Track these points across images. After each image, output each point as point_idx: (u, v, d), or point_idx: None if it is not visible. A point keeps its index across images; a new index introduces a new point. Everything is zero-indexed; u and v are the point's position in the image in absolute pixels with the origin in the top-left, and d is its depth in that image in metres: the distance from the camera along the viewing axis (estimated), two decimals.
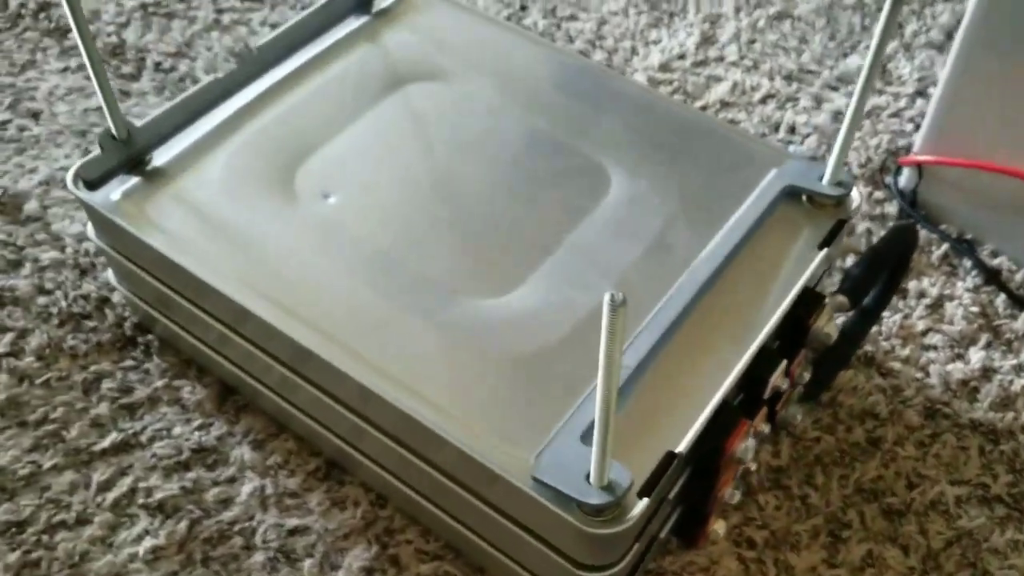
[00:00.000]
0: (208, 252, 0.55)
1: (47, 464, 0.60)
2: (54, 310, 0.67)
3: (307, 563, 0.57)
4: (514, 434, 0.48)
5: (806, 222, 0.57)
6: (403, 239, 0.56)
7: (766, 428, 0.55)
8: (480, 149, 0.61)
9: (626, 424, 0.48)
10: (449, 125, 0.62)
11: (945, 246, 0.71)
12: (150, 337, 0.66)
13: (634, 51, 0.85)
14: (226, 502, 0.59)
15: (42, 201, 0.73)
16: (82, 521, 0.58)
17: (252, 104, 0.63)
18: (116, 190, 0.58)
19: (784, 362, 0.52)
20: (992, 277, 0.70)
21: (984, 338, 0.67)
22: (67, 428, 0.61)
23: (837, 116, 0.80)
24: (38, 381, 0.63)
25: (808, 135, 0.78)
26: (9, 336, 0.65)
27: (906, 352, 0.66)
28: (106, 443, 0.61)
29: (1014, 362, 0.65)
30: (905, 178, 0.74)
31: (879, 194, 0.75)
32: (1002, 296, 0.69)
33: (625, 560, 0.49)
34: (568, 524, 0.45)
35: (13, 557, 0.56)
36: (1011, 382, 0.64)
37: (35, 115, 0.80)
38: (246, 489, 0.59)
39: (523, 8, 0.88)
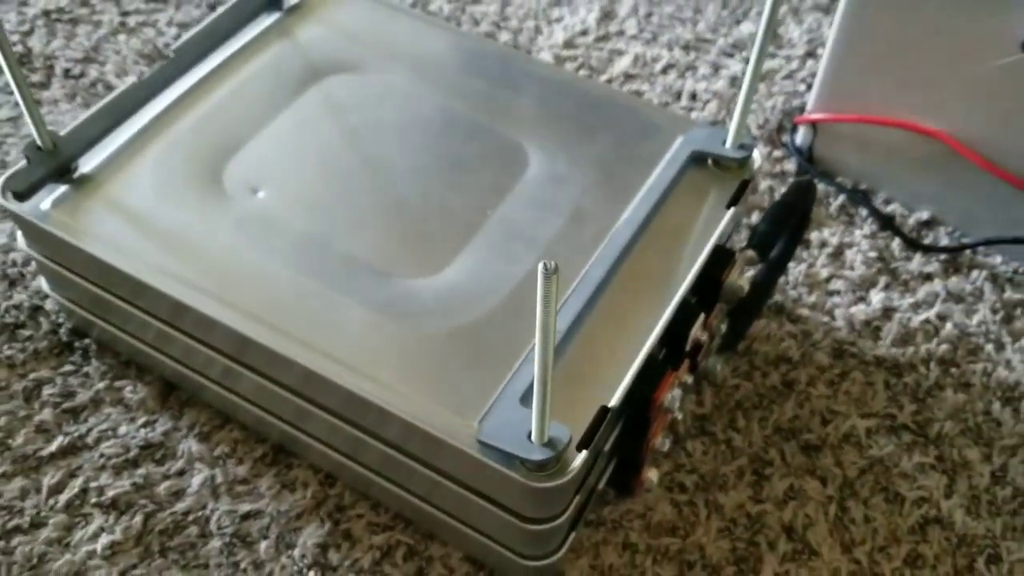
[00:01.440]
0: (142, 252, 0.56)
1: None
2: None
3: (263, 544, 0.59)
4: (457, 403, 0.50)
5: (713, 184, 0.61)
6: (334, 226, 0.58)
7: (689, 379, 0.59)
8: (401, 136, 0.63)
9: (560, 384, 0.51)
10: (369, 114, 0.64)
11: (842, 197, 0.76)
12: (87, 341, 0.67)
13: (538, 30, 0.88)
14: (178, 494, 0.61)
15: None
16: (36, 524, 0.59)
17: (174, 106, 0.64)
18: (46, 200, 0.59)
19: (702, 316, 0.56)
20: (887, 223, 0.75)
21: (883, 280, 0.72)
22: (12, 436, 0.62)
23: (734, 81, 0.84)
24: None
25: (708, 101, 0.83)
26: None
27: (813, 299, 0.71)
28: (53, 447, 0.62)
29: (911, 300, 0.71)
30: (801, 136, 0.79)
31: (778, 153, 0.79)
32: (897, 240, 0.74)
33: (567, 512, 0.52)
34: (514, 481, 0.48)
35: None
36: (909, 319, 0.70)
37: None
38: (196, 480, 0.61)
39: None
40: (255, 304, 0.54)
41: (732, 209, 0.59)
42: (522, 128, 0.64)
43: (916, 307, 0.71)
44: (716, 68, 0.85)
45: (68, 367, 0.66)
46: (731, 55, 0.87)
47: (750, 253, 0.59)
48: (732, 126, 0.60)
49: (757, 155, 0.62)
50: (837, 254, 0.73)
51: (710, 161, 0.62)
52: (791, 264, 0.72)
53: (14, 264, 0.70)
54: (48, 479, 0.60)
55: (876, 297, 0.71)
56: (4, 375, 0.65)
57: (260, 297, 0.55)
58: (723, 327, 0.63)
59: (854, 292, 0.71)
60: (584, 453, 0.49)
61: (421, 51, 0.68)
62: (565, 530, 0.54)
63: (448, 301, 0.55)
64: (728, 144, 0.61)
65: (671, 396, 0.54)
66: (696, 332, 0.56)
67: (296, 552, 0.58)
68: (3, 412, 0.63)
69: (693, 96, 0.83)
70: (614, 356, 0.53)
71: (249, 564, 0.58)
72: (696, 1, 0.91)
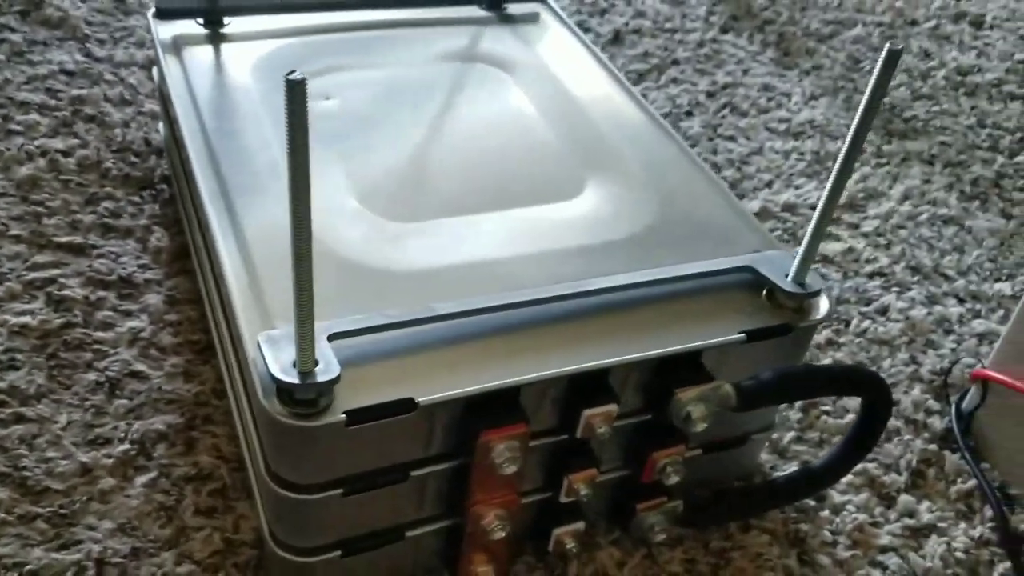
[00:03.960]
0: (202, 106, 0.57)
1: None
2: (119, 137, 0.73)
3: (119, 402, 0.55)
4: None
5: (748, 309, 0.49)
6: (358, 149, 0.56)
7: (584, 489, 0.47)
8: (491, 124, 0.60)
9: (427, 360, 0.43)
10: (482, 101, 0.62)
11: (973, 484, 0.58)
12: (165, 188, 0.70)
13: (769, 184, 0.79)
14: (106, 326, 0.60)
15: None
16: None
17: (337, 23, 0.67)
18: (179, 30, 0.64)
19: (614, 406, 0.44)
20: (1009, 542, 0.55)
21: None
22: (51, 216, 0.66)
23: (942, 322, 0.68)
24: (60, 177, 0.69)
25: (897, 321, 0.68)
26: (72, 142, 0.72)
27: (846, 555, 0.53)
28: (63, 238, 0.64)
29: None
30: (968, 400, 0.61)
31: (933, 404, 0.62)
32: (1008, 565, 0.54)
33: (322, 495, 0.42)
34: (261, 407, 0.40)
35: None
36: None
37: None
38: (129, 324, 0.60)
39: (688, 114, 0.86)
40: (234, 175, 0.53)
41: (742, 337, 0.47)
42: (600, 169, 0.57)
43: None
44: (932, 301, 0.70)
45: (135, 198, 0.69)
46: (962, 301, 0.71)
47: (728, 388, 0.46)
48: (797, 256, 0.48)
49: (824, 304, 0.49)
50: (917, 532, 0.55)
51: (764, 293, 0.50)
52: (852, 507, 0.55)
53: None
54: (37, 256, 0.63)
55: None
56: (92, 179, 0.69)
57: (244, 170, 0.53)
58: (675, 477, 0.49)
59: None
60: (343, 418, 0.40)
61: (579, 89, 0.64)
62: (317, 528, 0.44)
63: (393, 243, 0.50)
64: (789, 276, 0.49)
65: (505, 450, 0.42)
66: (595, 419, 0.44)
67: (136, 424, 0.54)
68: (61, 199, 0.67)
69: (883, 311, 0.69)
70: (490, 368, 0.43)
71: (94, 408, 0.55)
72: (964, 241, 0.76)
